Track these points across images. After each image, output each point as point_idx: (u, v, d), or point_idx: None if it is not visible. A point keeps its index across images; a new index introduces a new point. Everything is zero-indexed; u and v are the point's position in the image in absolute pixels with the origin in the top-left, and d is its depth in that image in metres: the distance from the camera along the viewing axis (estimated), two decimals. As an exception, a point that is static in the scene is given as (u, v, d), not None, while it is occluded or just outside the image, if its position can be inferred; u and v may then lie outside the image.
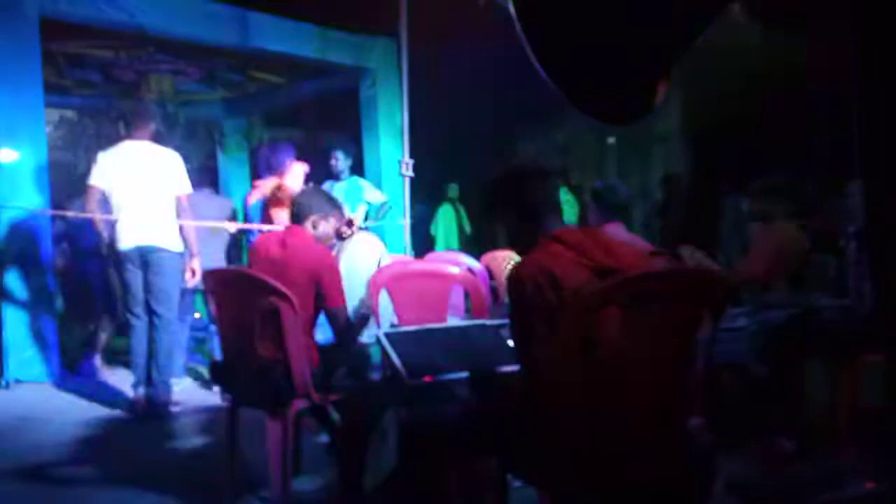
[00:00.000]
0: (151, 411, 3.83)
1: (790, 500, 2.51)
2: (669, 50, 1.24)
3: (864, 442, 2.72)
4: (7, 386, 4.58)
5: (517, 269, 1.74)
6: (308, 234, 2.77)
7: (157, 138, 4.00)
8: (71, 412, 4.05)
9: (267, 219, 4.54)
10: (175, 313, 3.99)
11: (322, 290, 2.64)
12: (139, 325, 3.91)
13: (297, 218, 2.79)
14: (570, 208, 7.27)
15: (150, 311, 3.90)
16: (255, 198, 4.80)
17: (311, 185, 3.00)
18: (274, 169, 4.69)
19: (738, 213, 6.50)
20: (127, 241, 3.84)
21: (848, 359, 2.80)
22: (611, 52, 1.22)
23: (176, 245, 3.92)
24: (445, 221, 8.71)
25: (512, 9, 1.21)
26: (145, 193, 3.85)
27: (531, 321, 1.69)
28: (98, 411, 4.04)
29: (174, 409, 3.90)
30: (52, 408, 4.15)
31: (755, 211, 3.46)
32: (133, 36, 5.59)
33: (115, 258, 3.94)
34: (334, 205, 2.90)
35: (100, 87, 7.06)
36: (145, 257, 3.85)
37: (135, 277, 3.87)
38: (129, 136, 3.95)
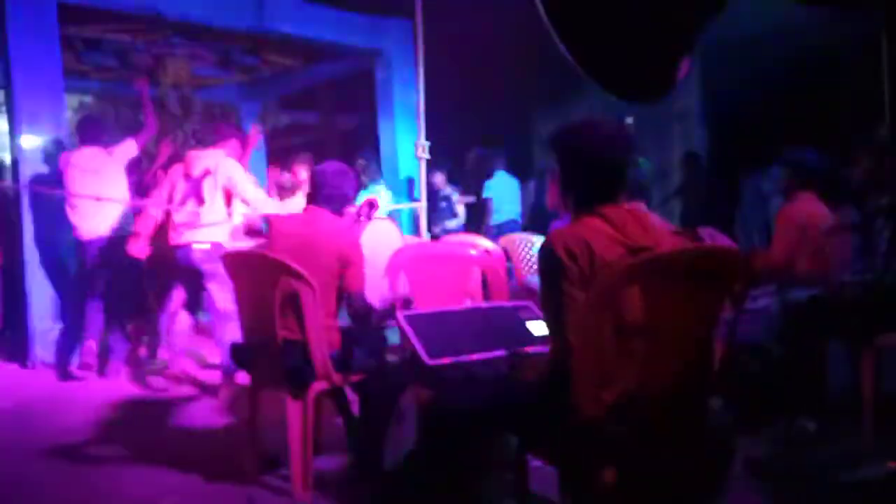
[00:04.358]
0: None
1: (811, 481, 2.50)
2: (690, 27, 1.22)
3: (886, 422, 2.70)
4: (34, 366, 4.67)
5: (551, 237, 1.72)
6: (332, 216, 2.77)
7: (108, 144, 4.58)
8: (95, 392, 4.13)
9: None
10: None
11: (346, 272, 2.65)
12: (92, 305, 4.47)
13: (331, 201, 2.74)
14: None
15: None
16: None
17: (342, 165, 2.84)
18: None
19: (758, 192, 6.43)
20: (80, 233, 4.41)
21: (869, 339, 2.76)
22: (632, 30, 1.20)
23: (122, 233, 4.43)
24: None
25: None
26: (94, 192, 4.35)
27: (562, 289, 1.66)
28: (121, 392, 4.12)
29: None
30: (76, 388, 4.24)
31: (779, 186, 3.43)
32: (150, 20, 5.60)
33: (71, 248, 4.54)
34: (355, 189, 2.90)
35: (117, 71, 7.10)
36: (96, 246, 4.40)
37: (87, 264, 4.45)
38: (83, 143, 4.52)
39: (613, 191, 1.77)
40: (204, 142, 4.22)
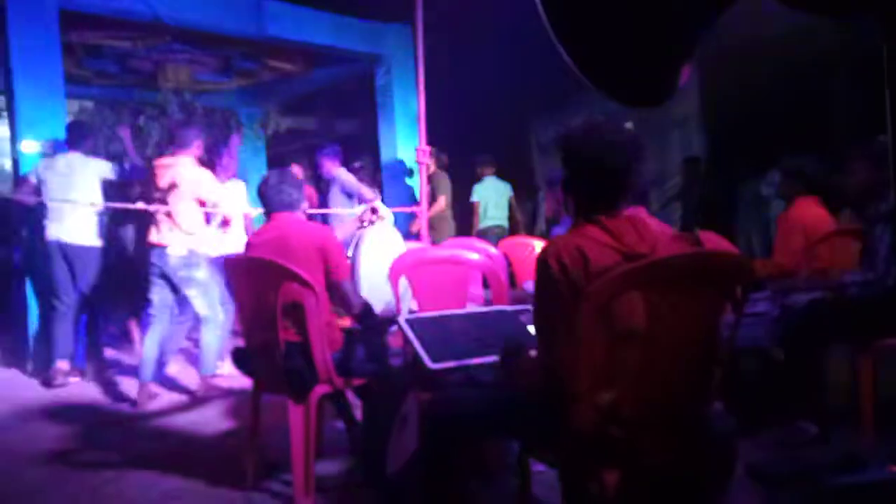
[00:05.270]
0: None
1: (811, 485, 2.50)
2: (693, 31, 1.23)
3: (886, 425, 2.71)
4: (32, 371, 4.67)
5: (547, 247, 1.73)
6: (297, 216, 2.82)
7: (91, 151, 4.63)
8: (95, 397, 4.13)
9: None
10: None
11: (329, 265, 2.68)
12: (63, 309, 4.42)
13: (283, 206, 2.79)
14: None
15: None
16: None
17: (283, 171, 2.89)
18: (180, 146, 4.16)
19: (757, 197, 6.44)
20: (52, 235, 4.38)
21: (870, 343, 2.77)
22: (634, 33, 1.21)
23: (94, 240, 4.44)
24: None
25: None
26: (72, 197, 4.33)
27: (556, 299, 1.68)
28: (121, 397, 4.12)
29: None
30: (76, 393, 4.24)
31: (780, 192, 3.45)
32: (150, 26, 5.63)
33: (44, 250, 4.45)
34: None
35: (118, 77, 7.12)
36: (67, 251, 4.37)
37: (60, 269, 4.40)
38: (72, 147, 4.49)
39: (615, 197, 1.78)
40: (169, 148, 4.14)
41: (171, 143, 4.13)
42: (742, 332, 1.87)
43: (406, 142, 6.71)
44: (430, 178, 6.28)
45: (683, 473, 1.78)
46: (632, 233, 1.73)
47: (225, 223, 4.44)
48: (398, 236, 3.65)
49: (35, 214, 4.62)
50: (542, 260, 1.71)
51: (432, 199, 6.06)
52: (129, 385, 4.36)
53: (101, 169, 4.49)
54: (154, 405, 3.93)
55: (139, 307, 4.82)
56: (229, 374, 4.05)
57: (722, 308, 1.77)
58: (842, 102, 6.11)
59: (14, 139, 4.87)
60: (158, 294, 4.01)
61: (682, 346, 1.71)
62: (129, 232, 5.14)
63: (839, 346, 2.99)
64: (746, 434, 2.59)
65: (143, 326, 4.53)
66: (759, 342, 2.90)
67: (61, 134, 4.88)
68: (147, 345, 3.97)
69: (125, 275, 4.94)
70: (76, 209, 4.37)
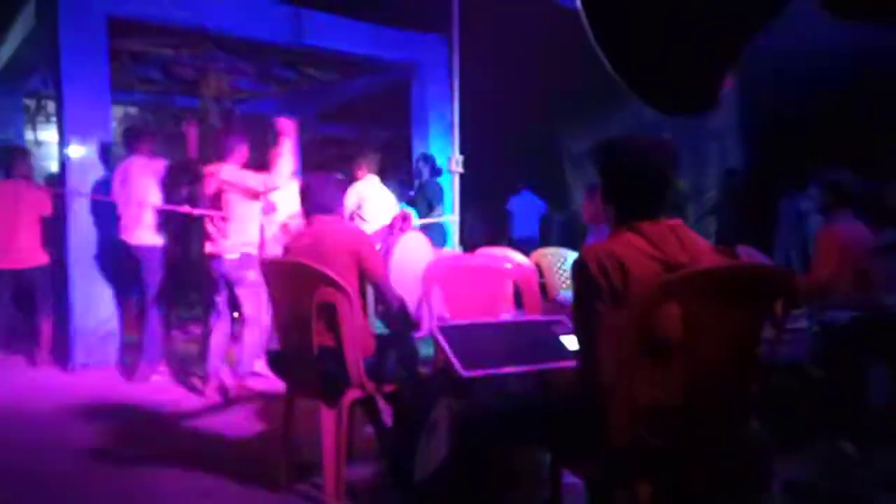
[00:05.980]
0: None
1: (850, 503, 2.44)
2: (736, 41, 1.22)
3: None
4: (74, 370, 4.79)
5: (585, 253, 1.71)
6: (338, 220, 2.87)
7: (151, 153, 4.72)
8: (133, 396, 4.22)
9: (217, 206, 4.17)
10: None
11: (364, 266, 2.72)
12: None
13: (323, 209, 2.84)
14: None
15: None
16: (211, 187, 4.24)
17: (326, 174, 2.97)
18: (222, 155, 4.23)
19: (795, 211, 6.32)
20: (121, 238, 4.58)
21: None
22: (678, 43, 1.21)
23: (155, 240, 4.59)
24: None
25: (578, 2, 1.21)
26: (135, 198, 4.54)
27: (594, 306, 1.67)
28: (158, 396, 4.20)
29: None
30: (115, 391, 4.33)
31: (819, 205, 3.39)
32: (193, 34, 5.76)
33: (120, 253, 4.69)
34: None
35: (161, 84, 7.29)
36: (134, 253, 4.57)
37: (126, 269, 4.66)
38: (131, 152, 4.69)
39: (655, 204, 1.76)
40: (215, 156, 4.28)
41: (215, 153, 4.26)
42: (782, 348, 1.84)
43: (439, 151, 6.73)
44: (423, 187, 6.16)
45: (717, 489, 1.75)
46: (673, 242, 1.71)
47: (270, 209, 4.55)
48: (427, 243, 3.67)
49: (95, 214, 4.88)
50: (582, 264, 1.69)
51: (429, 208, 6.04)
52: (167, 383, 4.46)
53: (158, 169, 4.66)
54: (189, 404, 4.01)
55: (208, 306, 4.98)
56: (263, 375, 4.11)
57: (761, 323, 1.74)
58: (884, 114, 5.97)
59: (62, 143, 5.02)
60: (221, 296, 4.23)
61: (721, 359, 1.68)
62: (187, 231, 5.28)
63: (880, 364, 2.92)
64: (784, 451, 2.55)
65: (210, 324, 4.67)
66: (797, 359, 2.85)
67: (107, 138, 5.03)
68: (213, 342, 4.19)
69: (186, 274, 5.07)
70: (137, 212, 4.55)
